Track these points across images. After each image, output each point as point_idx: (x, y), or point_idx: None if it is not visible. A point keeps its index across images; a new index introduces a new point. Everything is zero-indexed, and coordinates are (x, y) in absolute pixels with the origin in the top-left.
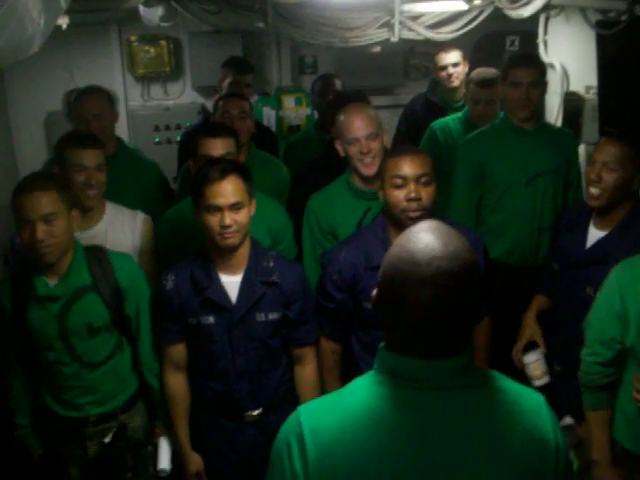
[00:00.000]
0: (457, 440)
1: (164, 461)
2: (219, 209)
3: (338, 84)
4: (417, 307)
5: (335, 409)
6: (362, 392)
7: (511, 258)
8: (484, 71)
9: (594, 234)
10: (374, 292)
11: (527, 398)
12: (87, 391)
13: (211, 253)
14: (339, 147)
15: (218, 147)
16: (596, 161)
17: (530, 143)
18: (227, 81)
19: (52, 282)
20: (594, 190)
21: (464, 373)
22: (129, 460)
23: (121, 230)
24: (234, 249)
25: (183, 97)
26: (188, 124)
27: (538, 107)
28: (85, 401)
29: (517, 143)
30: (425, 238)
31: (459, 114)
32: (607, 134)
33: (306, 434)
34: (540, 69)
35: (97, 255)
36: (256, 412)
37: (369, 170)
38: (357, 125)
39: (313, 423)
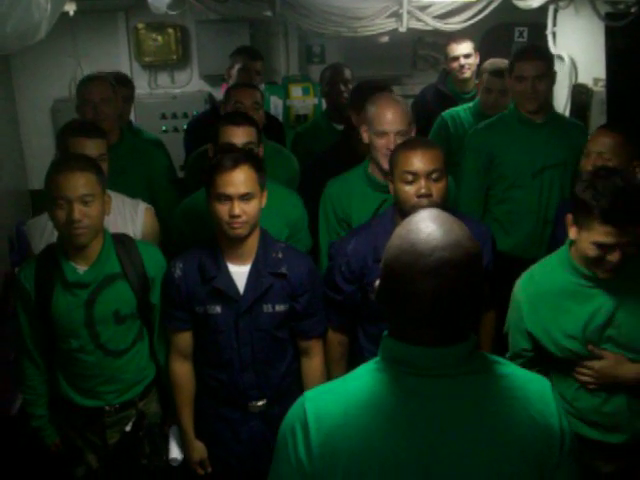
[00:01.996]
0: (459, 426)
1: (175, 450)
2: (229, 198)
3: (347, 74)
4: (420, 298)
5: (339, 395)
6: (365, 378)
7: (516, 250)
8: (498, 61)
9: None
10: (377, 283)
11: (532, 383)
12: (108, 380)
13: (220, 242)
14: (365, 134)
15: (240, 135)
16: (591, 152)
17: (539, 135)
18: (237, 67)
19: (81, 268)
20: None
21: (468, 360)
22: (146, 447)
23: (122, 219)
24: (242, 239)
25: (190, 85)
26: (195, 113)
27: (547, 99)
28: (106, 390)
29: (526, 135)
30: (426, 228)
31: (470, 104)
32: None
33: (310, 420)
34: (546, 61)
35: (125, 243)
36: (260, 403)
37: None
38: (389, 119)
39: (317, 409)
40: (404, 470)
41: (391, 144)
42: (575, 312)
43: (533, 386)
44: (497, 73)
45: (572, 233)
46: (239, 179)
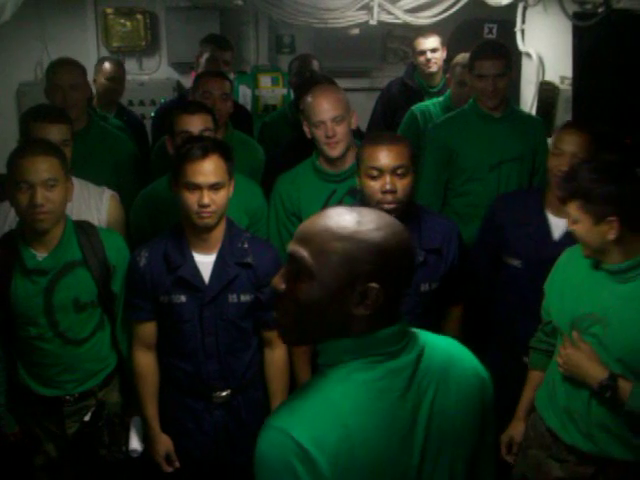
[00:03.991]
0: (439, 397)
1: (135, 441)
2: (198, 188)
3: (315, 65)
4: (403, 255)
5: (323, 411)
6: (340, 386)
7: (473, 241)
8: None
9: (557, 223)
10: (373, 285)
11: (452, 342)
12: (68, 369)
13: (186, 232)
14: (306, 129)
15: (196, 123)
16: (564, 152)
17: (497, 130)
18: (205, 56)
19: (41, 255)
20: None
21: (405, 336)
22: (105, 437)
23: (86, 206)
24: (210, 229)
25: (158, 73)
26: (163, 100)
27: (506, 94)
28: (65, 379)
29: (484, 129)
30: (337, 210)
31: (439, 99)
32: (567, 125)
33: (309, 447)
34: (505, 59)
35: (86, 230)
36: (224, 393)
37: (334, 152)
38: (323, 108)
39: (308, 434)
40: (404, 458)
41: (329, 131)
42: (578, 290)
43: (454, 343)
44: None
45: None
46: (209, 169)
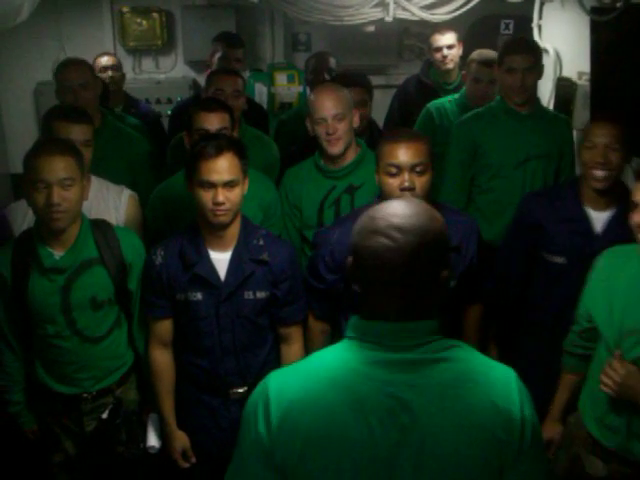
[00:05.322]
0: (422, 404)
1: (153, 438)
2: (213, 185)
3: (332, 62)
4: (372, 259)
5: (301, 372)
6: (329, 355)
7: (497, 240)
8: (487, 51)
9: (598, 217)
10: (349, 259)
11: (495, 370)
12: (85, 367)
13: (201, 229)
14: (309, 126)
15: (214, 121)
16: (597, 144)
17: (524, 127)
18: (217, 55)
19: (58, 253)
20: (601, 173)
21: (431, 339)
22: (123, 434)
23: (105, 206)
24: (225, 226)
25: (175, 71)
26: (179, 98)
27: (534, 91)
28: (83, 377)
29: (511, 126)
30: (389, 205)
31: (455, 95)
32: (597, 118)
33: (271, 395)
34: (536, 54)
35: (103, 229)
36: (241, 390)
37: (334, 149)
38: (325, 105)
39: (278, 385)
40: (365, 443)
41: (330, 128)
42: (629, 299)
43: (496, 373)
44: (486, 63)
45: None
46: (223, 166)
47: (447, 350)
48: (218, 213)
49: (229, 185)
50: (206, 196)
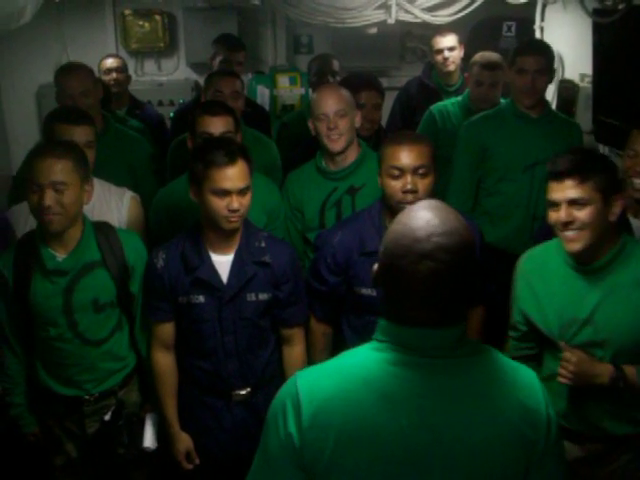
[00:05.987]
0: (452, 405)
1: (149, 439)
2: (228, 193)
3: (335, 65)
4: (416, 280)
5: (332, 371)
6: (361, 356)
7: (501, 243)
8: (489, 53)
9: (638, 225)
10: (375, 266)
11: (520, 371)
12: (87, 369)
13: (204, 232)
14: (311, 125)
15: (217, 125)
16: (639, 152)
17: (533, 130)
18: (218, 59)
19: (61, 256)
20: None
21: (460, 343)
22: (125, 436)
23: (107, 207)
24: (234, 231)
25: (177, 73)
26: (181, 101)
27: (544, 95)
28: (84, 379)
29: (520, 129)
30: (425, 215)
31: (458, 98)
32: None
33: (301, 394)
34: (548, 57)
35: (105, 231)
36: (244, 391)
37: (335, 146)
38: (327, 102)
39: (309, 383)
40: (396, 443)
41: (331, 124)
42: (558, 295)
43: (522, 373)
44: (488, 66)
45: None
46: (237, 174)
47: (476, 353)
48: (232, 220)
49: (243, 192)
50: (220, 203)
